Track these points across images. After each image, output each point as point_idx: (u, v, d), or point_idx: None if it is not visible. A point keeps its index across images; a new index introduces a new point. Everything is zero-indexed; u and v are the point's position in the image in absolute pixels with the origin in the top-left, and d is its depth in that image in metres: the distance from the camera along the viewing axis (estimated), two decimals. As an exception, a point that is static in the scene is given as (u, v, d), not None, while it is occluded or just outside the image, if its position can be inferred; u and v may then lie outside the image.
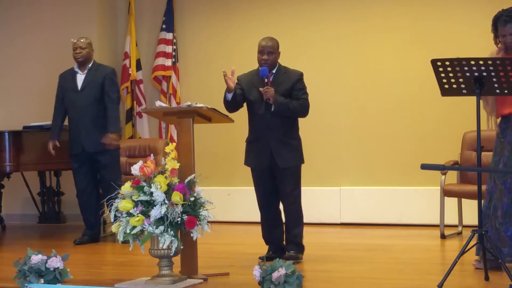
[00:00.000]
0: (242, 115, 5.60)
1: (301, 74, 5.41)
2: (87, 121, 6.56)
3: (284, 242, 5.44)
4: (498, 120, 4.85)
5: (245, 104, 5.46)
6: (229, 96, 5.27)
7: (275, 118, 5.26)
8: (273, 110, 5.23)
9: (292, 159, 5.32)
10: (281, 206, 5.46)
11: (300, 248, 5.39)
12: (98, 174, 6.67)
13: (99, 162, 6.59)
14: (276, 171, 5.32)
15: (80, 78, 6.67)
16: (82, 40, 6.70)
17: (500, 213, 4.72)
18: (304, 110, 5.36)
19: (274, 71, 5.37)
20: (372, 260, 5.46)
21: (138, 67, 8.31)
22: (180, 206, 4.30)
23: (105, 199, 4.57)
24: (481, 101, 4.57)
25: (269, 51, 5.32)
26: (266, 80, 5.24)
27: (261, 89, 5.23)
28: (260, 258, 5.18)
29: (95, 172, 6.68)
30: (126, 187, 4.39)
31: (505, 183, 4.71)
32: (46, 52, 8.31)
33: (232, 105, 5.35)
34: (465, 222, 6.73)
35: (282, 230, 5.46)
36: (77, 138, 6.59)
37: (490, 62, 4.35)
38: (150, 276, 4.54)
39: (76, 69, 6.72)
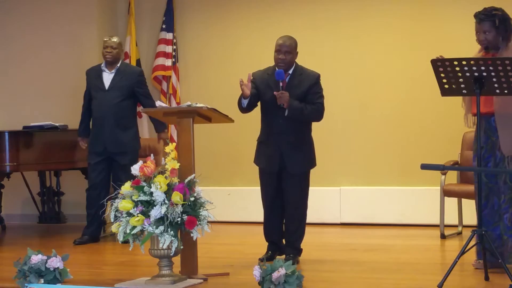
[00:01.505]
0: (242, 115, 5.59)
1: (318, 77, 5.32)
2: (112, 120, 6.57)
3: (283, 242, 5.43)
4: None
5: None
6: (245, 102, 5.21)
7: (288, 122, 5.19)
8: (287, 115, 5.15)
9: (302, 165, 5.29)
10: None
11: (299, 252, 5.38)
12: (114, 173, 6.66)
13: (118, 162, 6.59)
14: (285, 174, 5.28)
15: (108, 77, 6.69)
16: (114, 40, 6.72)
17: (488, 212, 4.75)
18: (318, 115, 5.29)
19: (290, 72, 5.27)
20: (372, 260, 5.46)
21: (138, 67, 8.30)
22: (180, 206, 4.30)
23: (106, 199, 4.57)
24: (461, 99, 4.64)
25: (286, 51, 5.22)
26: (281, 84, 5.14)
27: (275, 93, 5.12)
28: (260, 259, 5.18)
29: (110, 171, 6.69)
30: (126, 187, 4.40)
31: (497, 182, 4.71)
32: (46, 52, 8.30)
33: (247, 110, 5.30)
34: (465, 222, 6.73)
35: (283, 230, 5.43)
36: (100, 137, 6.60)
37: (490, 62, 4.36)
38: (150, 276, 4.54)
39: (103, 68, 6.74)
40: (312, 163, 5.41)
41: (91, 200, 6.70)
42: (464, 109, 4.90)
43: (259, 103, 5.39)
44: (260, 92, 5.29)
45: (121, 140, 6.56)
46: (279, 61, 5.22)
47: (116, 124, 6.58)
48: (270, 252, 5.34)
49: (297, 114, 5.17)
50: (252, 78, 5.30)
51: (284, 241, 5.43)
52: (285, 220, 5.39)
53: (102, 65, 6.76)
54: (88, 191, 6.75)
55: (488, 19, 4.69)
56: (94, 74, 6.75)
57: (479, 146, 4.54)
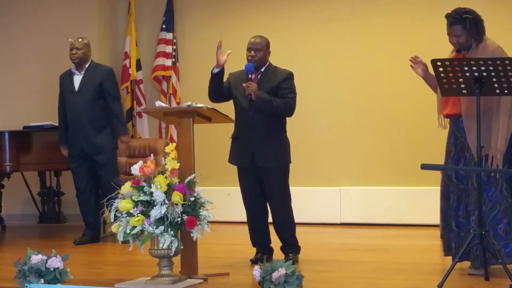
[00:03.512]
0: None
1: (290, 74, 5.31)
2: (85, 122, 6.56)
3: (271, 244, 5.41)
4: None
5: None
6: (215, 70, 5.17)
7: (258, 116, 5.16)
8: (255, 106, 5.13)
9: (273, 159, 5.21)
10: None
11: (297, 249, 5.38)
12: (97, 174, 6.67)
13: (96, 162, 6.59)
14: (260, 171, 5.24)
15: (77, 79, 6.66)
16: (79, 40, 6.68)
17: (461, 214, 4.73)
18: (288, 109, 5.23)
19: (262, 70, 5.30)
20: (372, 260, 5.46)
21: (138, 67, 8.31)
22: (180, 206, 4.30)
23: (105, 199, 4.58)
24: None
25: (256, 48, 5.27)
26: (250, 76, 5.16)
27: (244, 84, 5.14)
28: (251, 260, 5.23)
29: (94, 172, 6.69)
30: (126, 187, 4.40)
31: (467, 184, 4.70)
32: (46, 52, 8.32)
33: (215, 86, 5.21)
34: (465, 222, 6.72)
35: (269, 231, 5.41)
36: (75, 139, 6.60)
37: (490, 62, 4.36)
38: (150, 276, 4.54)
39: (74, 70, 6.71)
40: (285, 159, 5.31)
41: (82, 205, 6.73)
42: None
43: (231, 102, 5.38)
44: (232, 88, 5.32)
45: (96, 141, 6.55)
46: (249, 58, 5.27)
47: (90, 126, 6.55)
48: (259, 254, 5.29)
49: (266, 106, 5.14)
50: (227, 77, 5.36)
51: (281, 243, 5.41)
52: (272, 219, 5.36)
53: (72, 68, 6.73)
54: (77, 197, 6.77)
55: (459, 22, 4.64)
56: (66, 78, 6.73)
57: (479, 147, 4.53)
